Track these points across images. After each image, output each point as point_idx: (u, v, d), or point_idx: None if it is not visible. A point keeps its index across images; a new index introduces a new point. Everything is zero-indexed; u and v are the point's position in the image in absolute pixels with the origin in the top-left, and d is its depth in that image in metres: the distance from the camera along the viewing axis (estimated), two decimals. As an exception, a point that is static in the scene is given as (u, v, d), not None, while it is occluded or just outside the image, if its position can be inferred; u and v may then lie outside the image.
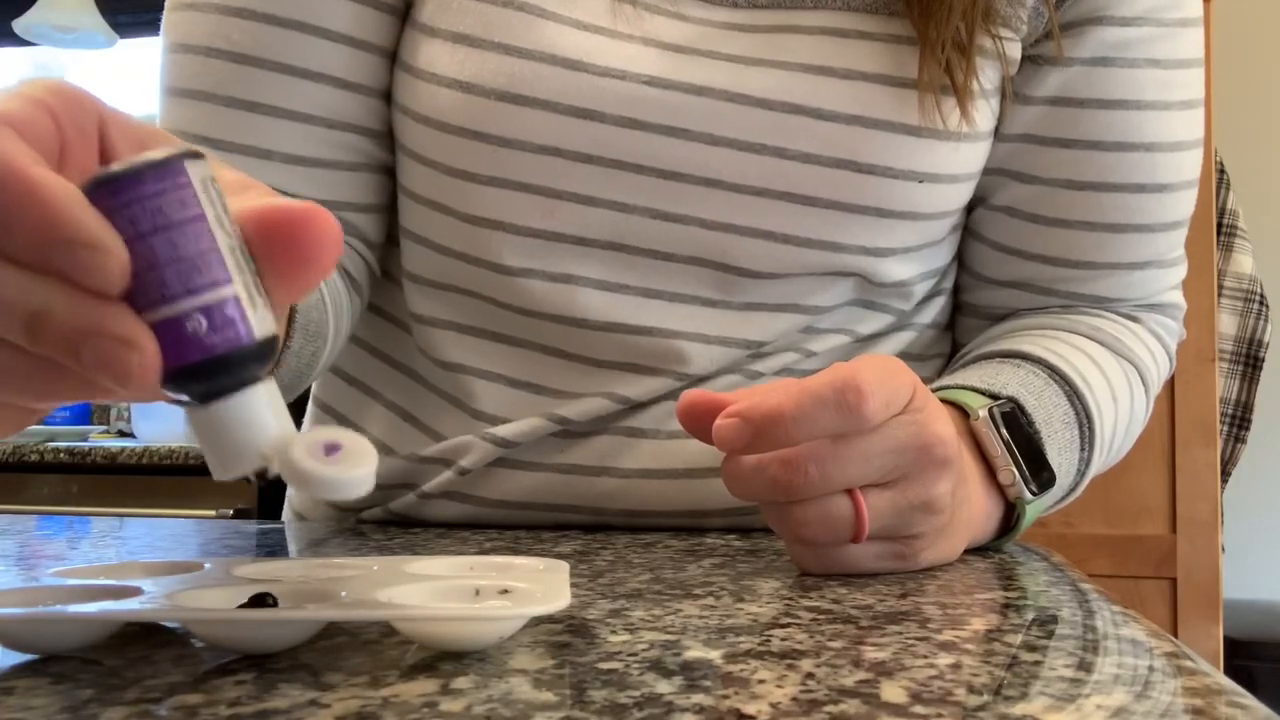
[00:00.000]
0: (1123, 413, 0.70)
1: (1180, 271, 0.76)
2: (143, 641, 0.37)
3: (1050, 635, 0.39)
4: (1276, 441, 2.58)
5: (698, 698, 0.30)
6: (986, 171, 0.71)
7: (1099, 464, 0.69)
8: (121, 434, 2.61)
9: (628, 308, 0.67)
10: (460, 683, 0.32)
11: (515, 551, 0.59)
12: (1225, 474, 2.32)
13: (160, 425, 2.41)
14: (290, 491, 0.82)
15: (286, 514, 0.83)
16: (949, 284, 0.76)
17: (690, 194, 0.64)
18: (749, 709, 0.30)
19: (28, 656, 0.36)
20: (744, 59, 0.64)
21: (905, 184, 0.65)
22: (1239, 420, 2.34)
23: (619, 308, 0.66)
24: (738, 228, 0.65)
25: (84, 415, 2.80)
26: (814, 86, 0.63)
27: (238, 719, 0.29)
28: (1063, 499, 0.69)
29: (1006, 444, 0.59)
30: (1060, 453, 0.64)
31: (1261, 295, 2.33)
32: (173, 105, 0.67)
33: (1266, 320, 2.33)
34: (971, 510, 0.56)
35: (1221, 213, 2.27)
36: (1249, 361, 2.34)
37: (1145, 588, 2.12)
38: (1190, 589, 2.10)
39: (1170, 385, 2.12)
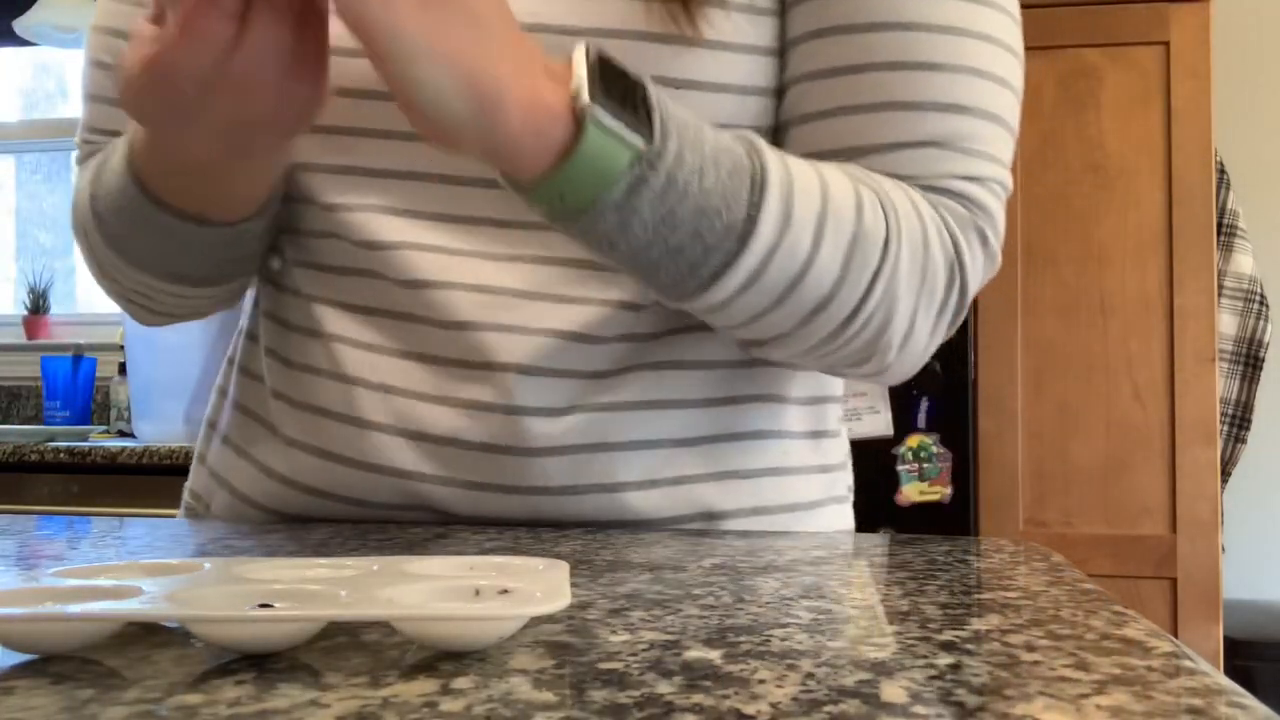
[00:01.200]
0: (838, 203, 0.60)
1: (984, 167, 0.66)
2: (143, 641, 0.37)
3: (1050, 635, 0.39)
4: (1276, 441, 2.58)
5: (698, 698, 0.30)
6: (777, 93, 0.69)
7: (801, 236, 0.59)
8: (121, 434, 2.61)
9: (426, 232, 0.68)
10: (460, 683, 0.32)
11: (515, 551, 0.59)
12: (1225, 474, 2.32)
13: (160, 425, 2.41)
14: (192, 481, 0.81)
15: (187, 503, 0.82)
16: None
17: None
18: (749, 709, 0.30)
19: (28, 656, 0.36)
20: None
21: (686, 94, 0.64)
22: (1239, 420, 2.34)
23: (413, 231, 0.68)
24: None
25: (84, 415, 2.81)
26: (561, 8, 0.64)
27: (238, 719, 0.29)
28: (738, 254, 0.58)
29: (594, 69, 0.54)
30: (684, 139, 0.56)
31: (1261, 295, 2.34)
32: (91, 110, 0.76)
33: (1266, 320, 2.33)
34: (508, 37, 0.53)
35: (1221, 213, 2.28)
36: (1249, 361, 2.34)
37: (1145, 588, 2.12)
38: (1190, 589, 2.11)
39: (1170, 385, 2.13)
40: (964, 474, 2.07)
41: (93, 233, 0.71)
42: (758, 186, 0.57)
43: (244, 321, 0.80)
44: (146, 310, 0.77)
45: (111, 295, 0.77)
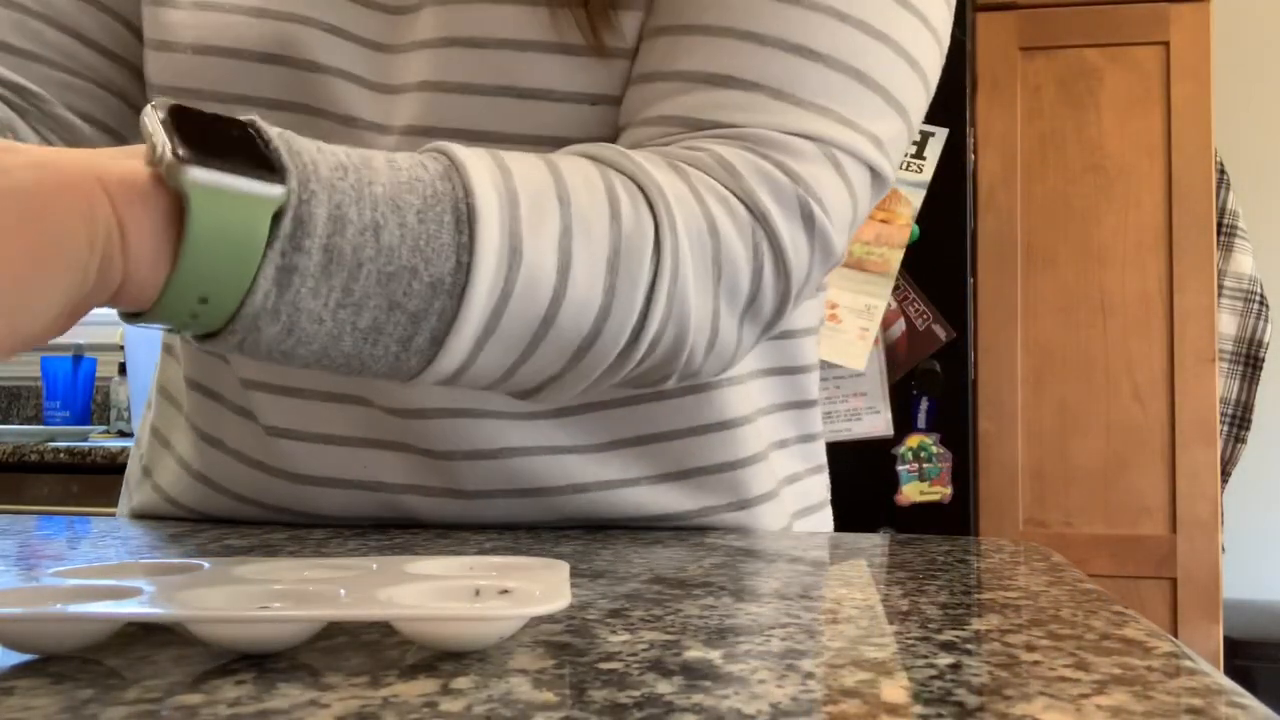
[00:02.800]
0: (584, 211, 0.48)
1: (822, 126, 0.54)
2: (143, 641, 0.37)
3: (1050, 635, 0.39)
4: (1276, 441, 2.58)
5: (698, 698, 0.30)
6: None
7: (516, 269, 0.46)
8: (121, 434, 2.61)
9: None
10: (460, 683, 0.32)
11: (515, 551, 0.59)
12: (1225, 474, 2.32)
13: (160, 425, 2.40)
14: (133, 495, 0.80)
15: (123, 511, 0.81)
16: None
17: (364, 139, 0.63)
18: (749, 709, 0.30)
19: (28, 656, 0.36)
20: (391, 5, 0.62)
21: (576, 107, 0.59)
22: (1239, 420, 2.34)
23: None
24: None
25: (84, 415, 2.81)
26: (465, 16, 0.60)
27: (238, 719, 0.29)
28: (456, 313, 0.45)
29: (177, 122, 0.40)
30: (388, 206, 0.43)
31: (1261, 295, 2.33)
32: None
33: (1266, 320, 2.33)
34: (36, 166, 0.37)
35: (1221, 213, 2.28)
36: (1249, 361, 2.34)
37: (1145, 588, 2.12)
38: (1190, 589, 2.10)
39: (1170, 385, 2.12)
40: (964, 474, 2.07)
41: None
42: (464, 220, 0.45)
43: None
44: None
45: None
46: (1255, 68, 2.66)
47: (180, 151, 0.38)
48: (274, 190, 0.40)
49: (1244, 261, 2.32)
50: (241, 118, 0.42)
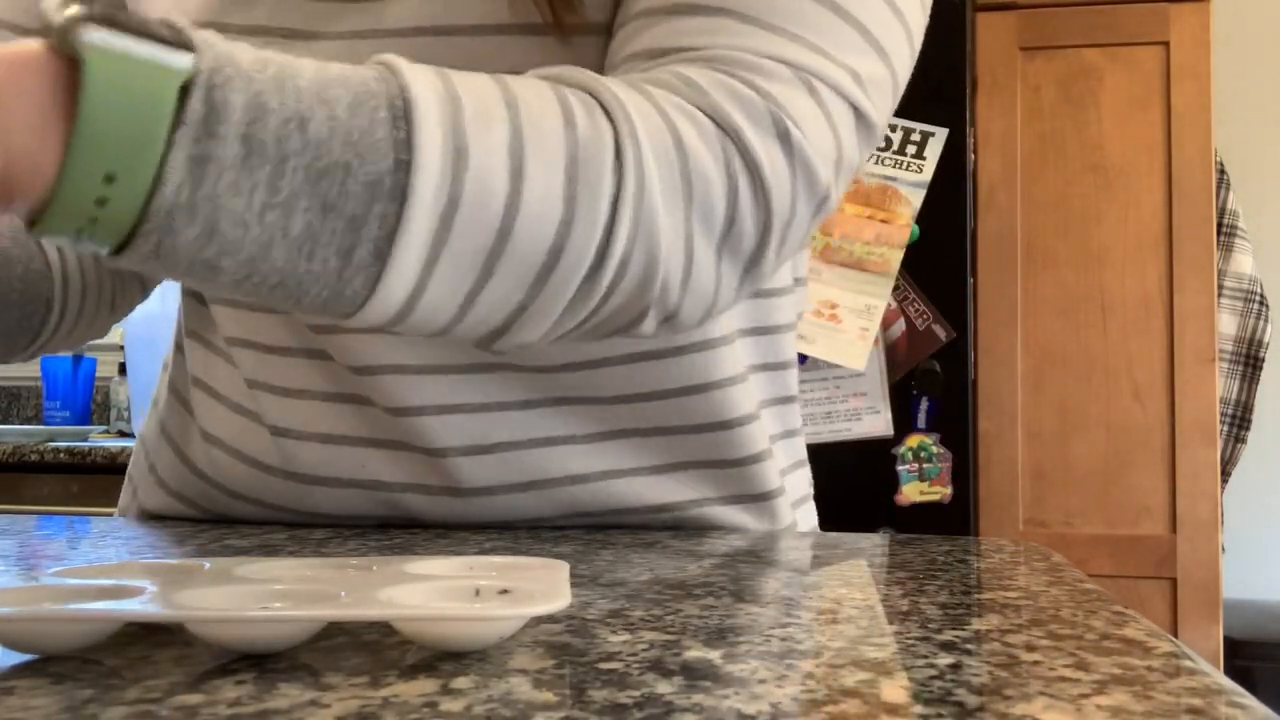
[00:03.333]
0: (534, 116, 0.44)
1: (796, 52, 0.50)
2: (143, 641, 0.37)
3: (1050, 635, 0.39)
4: (1276, 441, 2.58)
5: (698, 698, 0.30)
6: None
7: (462, 169, 0.41)
8: (121, 434, 2.61)
9: None
10: (460, 683, 0.32)
11: (515, 551, 0.59)
12: (1225, 474, 2.32)
13: (160, 425, 2.40)
14: (139, 493, 0.81)
15: (127, 508, 0.81)
16: None
17: None
18: (749, 709, 0.30)
19: (28, 656, 0.36)
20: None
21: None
22: (1239, 420, 2.34)
23: None
24: None
25: (84, 415, 2.81)
26: (433, 4, 0.58)
27: (238, 719, 0.29)
28: (399, 217, 0.41)
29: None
30: (313, 98, 0.39)
31: (1261, 295, 2.34)
32: None
33: (1266, 320, 2.33)
34: None
35: (1221, 213, 2.28)
36: (1249, 361, 2.34)
37: (1145, 588, 2.12)
38: (1190, 589, 2.10)
39: (1170, 385, 2.13)
40: (964, 474, 2.07)
41: None
42: (400, 116, 0.40)
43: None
44: None
45: None
46: (1255, 68, 2.66)
47: (75, 11, 0.34)
48: (180, 60, 0.36)
49: (1244, 261, 2.32)
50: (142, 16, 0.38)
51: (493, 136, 0.42)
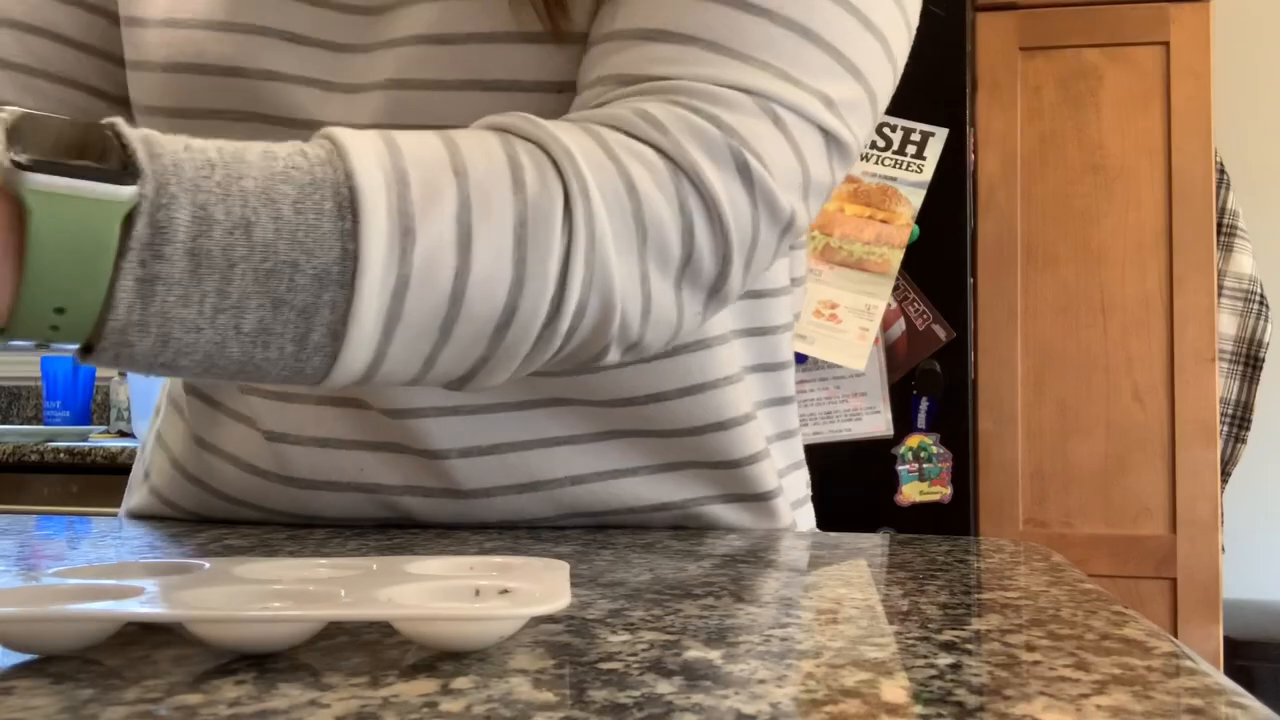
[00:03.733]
0: (484, 183, 0.45)
1: (760, 80, 0.51)
2: (143, 641, 0.37)
3: (1050, 635, 0.39)
4: (1276, 441, 2.58)
5: (698, 698, 0.30)
6: None
7: (409, 251, 0.43)
8: (121, 434, 2.61)
9: None
10: (460, 683, 0.32)
11: (515, 551, 0.59)
12: (1225, 474, 2.32)
13: (160, 425, 2.41)
14: (149, 489, 0.80)
15: (142, 506, 0.81)
16: None
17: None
18: (749, 709, 0.30)
19: (28, 656, 0.36)
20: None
21: (540, 96, 0.57)
22: (1239, 420, 2.34)
23: None
24: None
25: (84, 415, 2.81)
26: (432, 13, 0.59)
27: (238, 719, 0.29)
28: (350, 303, 0.42)
29: (15, 128, 0.38)
30: (259, 200, 0.41)
31: (1261, 295, 2.33)
32: None
33: (1266, 320, 2.33)
34: None
35: (1221, 213, 2.28)
36: (1249, 361, 2.34)
37: (1145, 588, 2.12)
38: (1190, 589, 2.10)
39: (1170, 385, 2.13)
40: (964, 474, 2.07)
41: None
42: (346, 205, 0.42)
43: None
44: None
45: None
46: (1255, 68, 2.66)
47: (16, 157, 0.36)
48: (122, 192, 0.38)
49: (1244, 261, 2.32)
50: (104, 120, 0.40)
51: (441, 209, 0.44)
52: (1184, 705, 0.30)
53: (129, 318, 0.39)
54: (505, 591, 0.39)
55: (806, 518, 0.79)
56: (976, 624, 0.41)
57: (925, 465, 2.08)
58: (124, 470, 2.27)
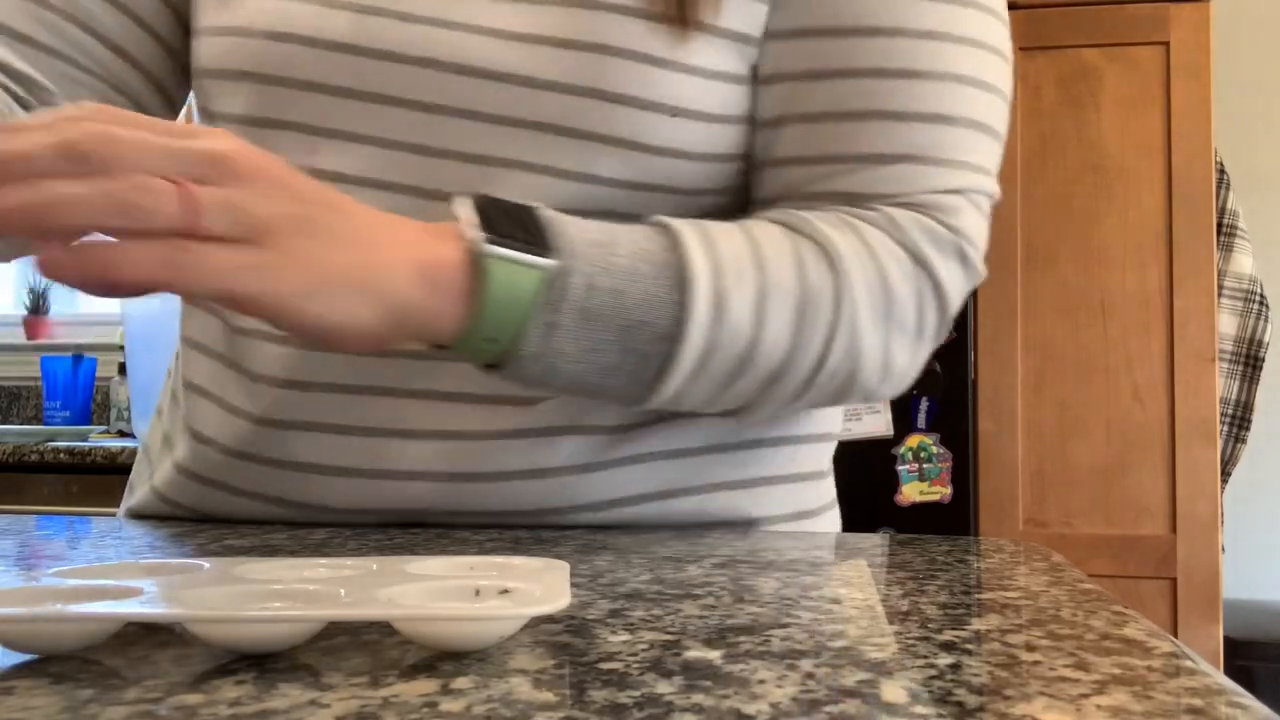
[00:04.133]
0: (777, 273, 0.60)
1: (968, 178, 0.66)
2: (143, 641, 0.37)
3: (1050, 635, 0.39)
4: (1276, 441, 2.58)
5: (698, 698, 0.30)
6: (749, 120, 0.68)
7: (740, 313, 0.59)
8: (121, 434, 2.62)
9: None
10: (460, 683, 0.32)
11: (515, 551, 0.59)
12: (1225, 474, 2.32)
13: (160, 425, 2.41)
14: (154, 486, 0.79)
15: (144, 504, 0.80)
16: None
17: (448, 127, 0.64)
18: (749, 709, 0.30)
19: (28, 656, 0.36)
20: None
21: (657, 116, 0.63)
22: (1239, 420, 2.34)
23: None
24: (495, 159, 0.64)
25: (84, 415, 2.81)
26: (561, 18, 0.63)
27: (238, 719, 0.29)
28: (670, 356, 0.58)
29: (481, 210, 0.55)
30: (582, 241, 0.56)
31: (1261, 295, 2.34)
32: None
33: (1266, 320, 2.33)
34: (373, 226, 0.53)
35: (1221, 213, 2.28)
36: (1249, 361, 2.34)
37: (1145, 588, 2.12)
38: (1190, 589, 2.11)
39: (1170, 385, 2.13)
40: (964, 474, 2.07)
41: None
42: (682, 283, 0.58)
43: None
44: None
45: None
46: (1255, 68, 2.66)
47: (486, 234, 0.54)
48: (543, 261, 0.55)
49: (1244, 261, 2.32)
50: (527, 204, 0.57)
51: (744, 292, 0.59)
52: (1184, 705, 0.30)
53: (531, 350, 0.56)
54: (505, 591, 0.39)
55: (835, 520, 0.80)
56: (976, 624, 0.41)
57: (925, 465, 2.08)
58: (124, 470, 2.27)
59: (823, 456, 0.77)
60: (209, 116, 0.70)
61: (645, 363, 0.58)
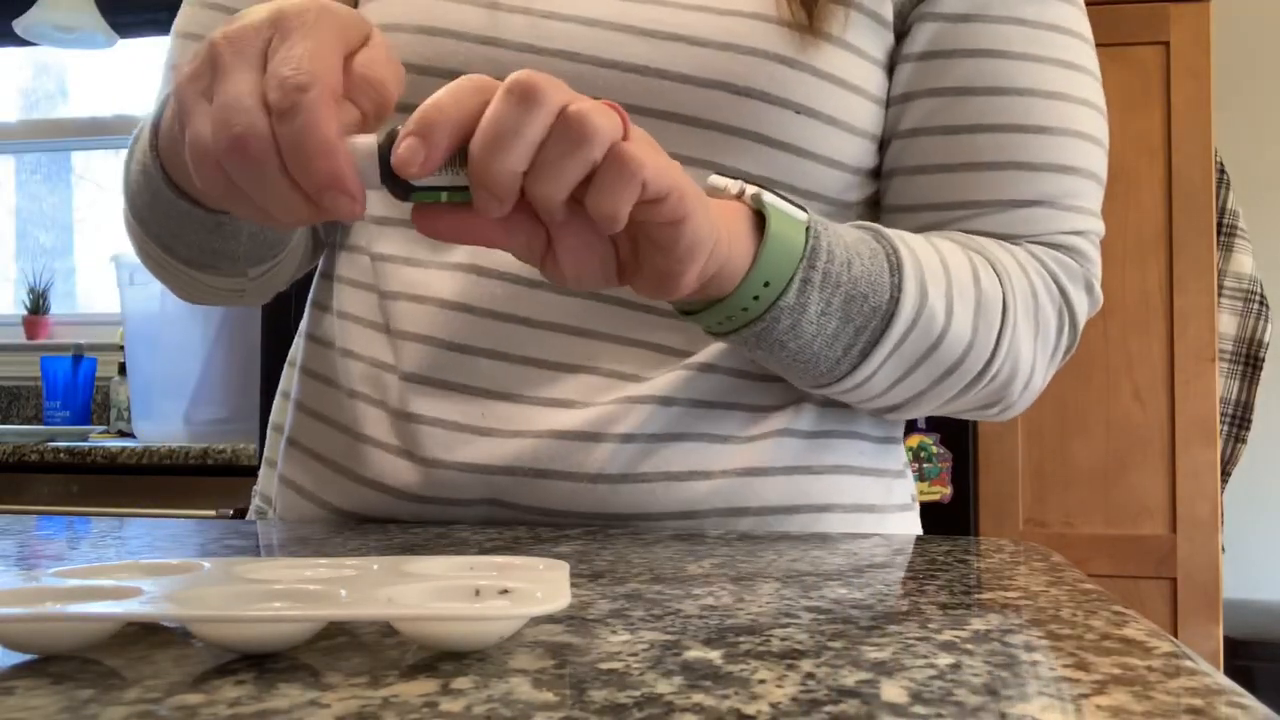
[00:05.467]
0: (960, 272, 0.67)
1: (1087, 221, 0.74)
2: (143, 641, 0.37)
3: (1050, 635, 0.39)
4: (1276, 441, 2.58)
5: (698, 698, 0.30)
6: (881, 142, 0.75)
7: (935, 295, 0.65)
8: (121, 434, 2.61)
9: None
10: (460, 683, 0.32)
11: (515, 551, 0.59)
12: (1225, 474, 2.32)
13: (160, 425, 2.41)
14: (265, 485, 0.82)
15: (258, 504, 0.83)
16: None
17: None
18: (749, 709, 0.30)
19: (28, 656, 0.36)
20: None
21: (781, 112, 0.68)
22: (1239, 420, 2.34)
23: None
24: None
25: (84, 415, 2.81)
26: (693, 20, 0.69)
27: (238, 719, 0.29)
28: (883, 331, 0.64)
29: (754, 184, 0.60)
30: (852, 250, 0.63)
31: (1261, 295, 2.33)
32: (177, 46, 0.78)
33: (1266, 320, 2.33)
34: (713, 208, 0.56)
35: (1221, 213, 2.28)
36: (1249, 361, 2.34)
37: (1145, 588, 2.12)
38: (1190, 589, 2.10)
39: (1170, 385, 2.13)
40: (964, 474, 2.07)
41: (123, 186, 0.73)
42: (895, 268, 0.64)
43: (303, 323, 0.81)
44: (175, 285, 0.78)
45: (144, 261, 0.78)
46: (1255, 68, 2.66)
47: (756, 191, 0.59)
48: (801, 214, 0.60)
49: (1244, 261, 2.32)
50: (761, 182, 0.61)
51: (938, 287, 0.65)
52: (1184, 705, 0.30)
53: (789, 303, 0.60)
54: (505, 591, 0.39)
55: (911, 524, 0.82)
56: (976, 624, 0.41)
57: (925, 465, 2.08)
58: (124, 470, 2.28)
59: (887, 456, 0.78)
60: None
61: (858, 336, 0.63)
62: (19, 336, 3.05)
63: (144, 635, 0.38)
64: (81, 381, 2.80)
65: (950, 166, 0.72)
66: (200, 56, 0.49)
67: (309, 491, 0.75)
